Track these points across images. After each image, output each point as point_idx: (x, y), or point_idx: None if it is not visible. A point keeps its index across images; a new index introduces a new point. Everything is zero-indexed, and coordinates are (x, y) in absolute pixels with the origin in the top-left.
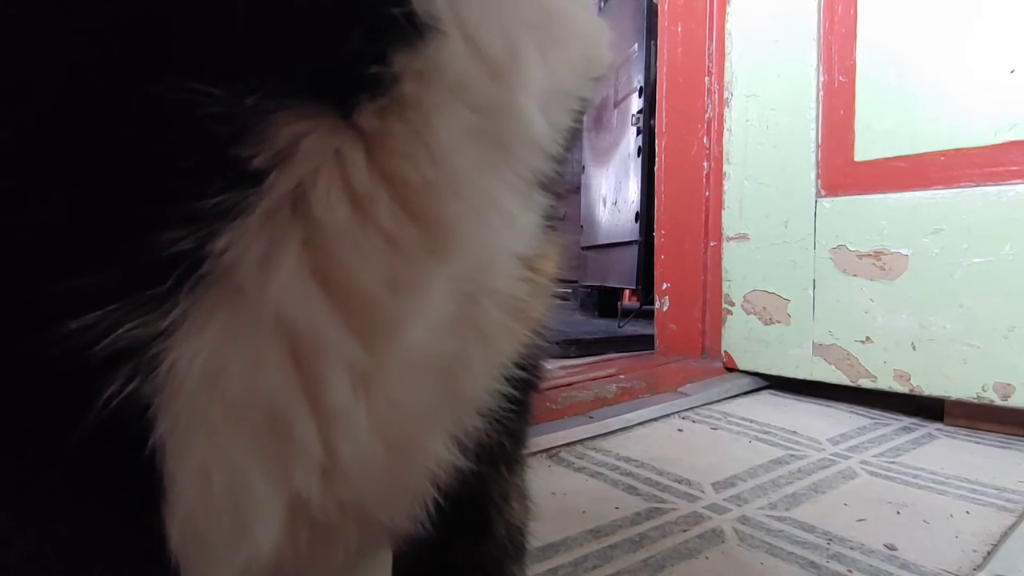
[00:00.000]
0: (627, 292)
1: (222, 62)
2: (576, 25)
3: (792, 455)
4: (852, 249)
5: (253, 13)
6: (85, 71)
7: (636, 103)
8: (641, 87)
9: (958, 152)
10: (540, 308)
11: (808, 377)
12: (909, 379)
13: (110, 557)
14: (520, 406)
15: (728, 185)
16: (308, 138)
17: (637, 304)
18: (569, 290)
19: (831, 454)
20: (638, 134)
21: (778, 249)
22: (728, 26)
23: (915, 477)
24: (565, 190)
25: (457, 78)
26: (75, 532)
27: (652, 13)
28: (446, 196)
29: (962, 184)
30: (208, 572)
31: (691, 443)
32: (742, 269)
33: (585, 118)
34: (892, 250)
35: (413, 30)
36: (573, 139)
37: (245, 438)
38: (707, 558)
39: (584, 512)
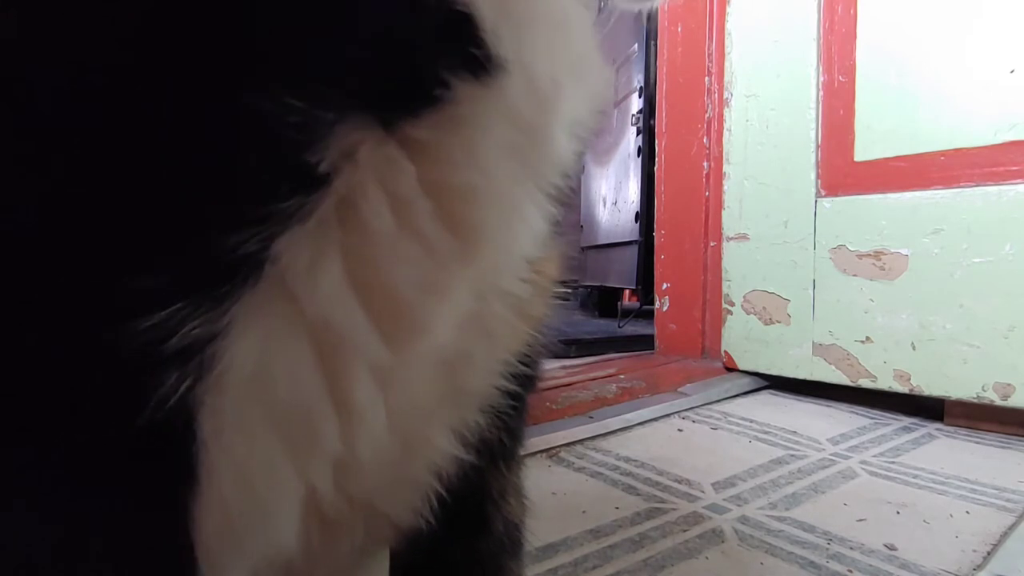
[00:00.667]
0: (627, 292)
1: (308, 78)
2: (593, 67)
3: (792, 455)
4: (852, 249)
5: (344, 37)
6: (191, 81)
7: (636, 103)
8: (641, 87)
9: (958, 152)
10: (542, 307)
11: (808, 377)
12: (909, 379)
13: (136, 552)
14: (520, 402)
15: (728, 185)
16: (364, 146)
17: (637, 304)
18: (569, 290)
19: (831, 454)
20: (638, 134)
21: (778, 249)
22: (728, 26)
23: (915, 477)
24: (568, 199)
25: (510, 105)
26: (111, 526)
27: (652, 13)
28: (483, 203)
29: (962, 184)
30: (226, 570)
31: (691, 443)
32: (742, 269)
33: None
34: (892, 250)
35: (486, 68)
36: (579, 159)
37: (277, 437)
38: (707, 558)
39: (584, 512)
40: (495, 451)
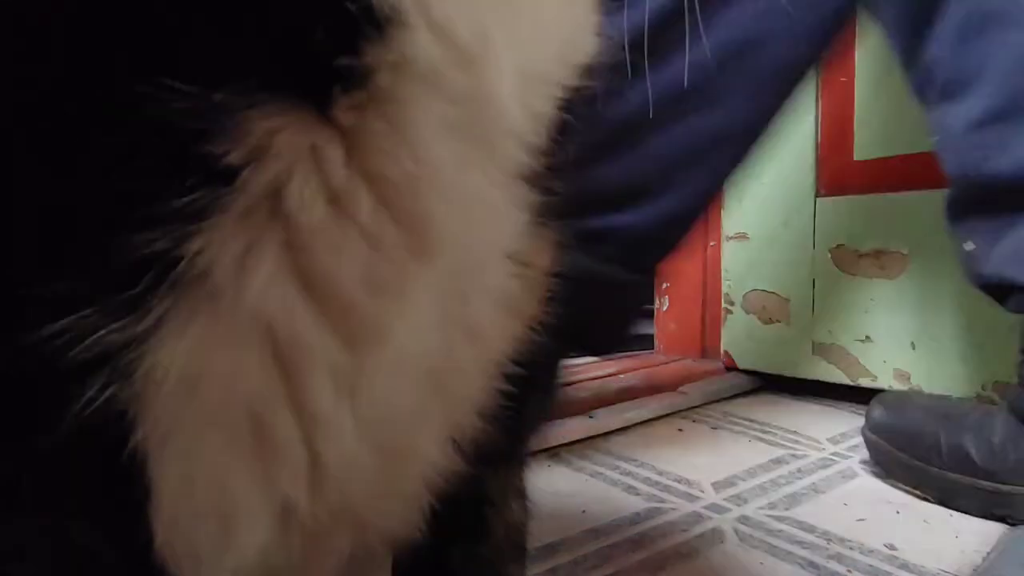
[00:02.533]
0: None
1: (188, 57)
2: (551, 6)
3: (792, 455)
4: (852, 248)
5: (218, 6)
6: (45, 68)
7: None
8: None
9: None
10: (535, 303)
11: (808, 376)
12: (909, 379)
13: (94, 562)
14: (519, 403)
15: (727, 184)
16: (282, 134)
17: None
18: None
19: (831, 454)
20: None
21: (778, 248)
22: None
23: None
24: (551, 180)
25: (428, 68)
26: (56, 538)
27: None
28: (428, 193)
29: None
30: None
31: (691, 443)
32: (742, 268)
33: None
34: (892, 249)
35: (373, 24)
36: (564, 131)
37: (228, 443)
38: (707, 558)
39: (584, 512)
40: (493, 454)
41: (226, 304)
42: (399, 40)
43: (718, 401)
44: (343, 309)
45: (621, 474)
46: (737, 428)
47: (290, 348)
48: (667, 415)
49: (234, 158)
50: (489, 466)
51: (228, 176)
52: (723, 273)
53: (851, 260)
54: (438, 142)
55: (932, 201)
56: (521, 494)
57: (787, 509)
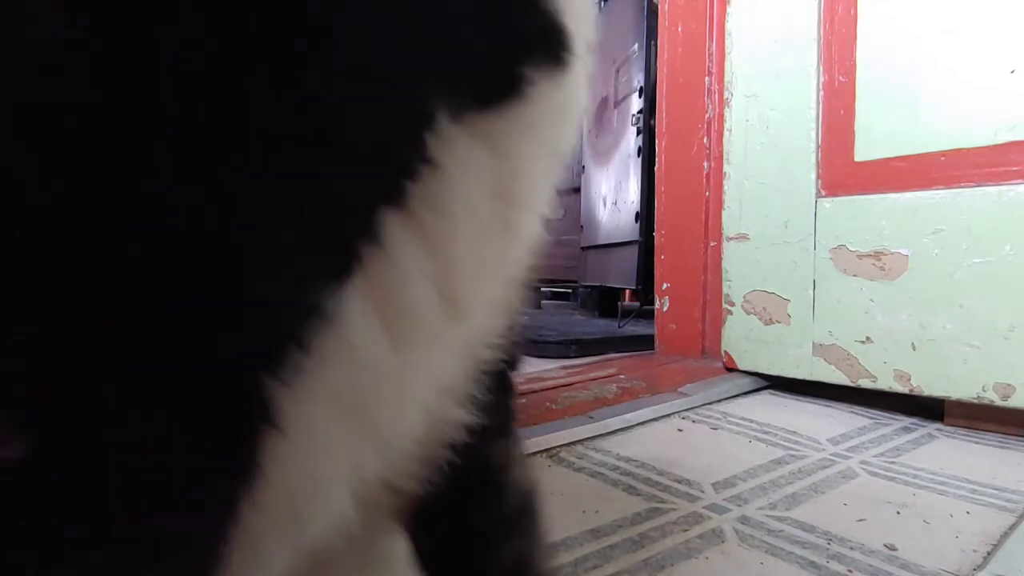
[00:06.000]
0: (627, 292)
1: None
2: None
3: (792, 455)
4: (852, 249)
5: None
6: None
7: (636, 103)
8: (641, 87)
9: (958, 152)
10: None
11: (808, 377)
12: (909, 379)
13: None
14: (510, 358)
15: (728, 185)
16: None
17: (637, 304)
18: (569, 290)
19: (831, 454)
20: (638, 134)
21: (778, 249)
22: (728, 26)
23: (915, 477)
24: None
25: (572, 101)
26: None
27: (652, 13)
28: (470, 256)
29: (962, 184)
30: (265, 560)
31: (691, 443)
32: (742, 269)
33: (585, 118)
34: (892, 250)
35: (562, 60)
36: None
37: (341, 420)
38: (707, 558)
39: (584, 512)
40: (491, 426)
41: (380, 288)
42: (564, 73)
43: (718, 401)
44: (456, 288)
45: (621, 474)
46: (737, 428)
47: (411, 325)
48: (667, 415)
49: (426, 154)
50: (491, 435)
51: (412, 169)
52: (723, 273)
53: (851, 260)
54: (484, 203)
55: (932, 201)
56: (524, 461)
57: (787, 509)
